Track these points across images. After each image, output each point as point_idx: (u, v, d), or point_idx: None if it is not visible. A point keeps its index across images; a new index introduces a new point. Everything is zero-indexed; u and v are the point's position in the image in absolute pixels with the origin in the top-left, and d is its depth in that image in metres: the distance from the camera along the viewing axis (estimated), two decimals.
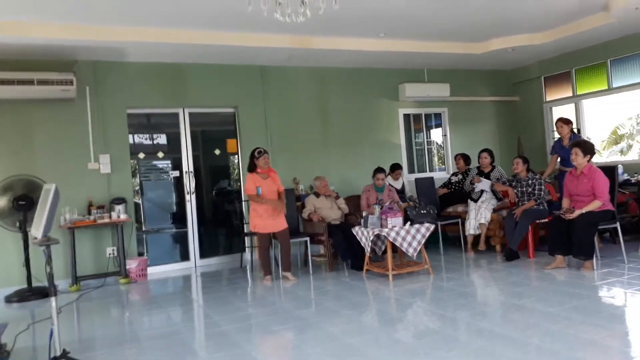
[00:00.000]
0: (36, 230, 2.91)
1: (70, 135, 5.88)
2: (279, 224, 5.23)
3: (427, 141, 8.37)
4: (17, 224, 5.25)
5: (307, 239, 5.68)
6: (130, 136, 6.38)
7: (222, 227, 7.93)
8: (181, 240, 7.08)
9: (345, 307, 4.09)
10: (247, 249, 6.65)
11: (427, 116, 8.27)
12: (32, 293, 5.20)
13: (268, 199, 5.16)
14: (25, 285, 5.29)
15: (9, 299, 5.17)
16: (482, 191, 6.03)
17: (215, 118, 7.18)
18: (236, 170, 7.28)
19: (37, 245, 2.89)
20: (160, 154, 7.31)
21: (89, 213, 5.72)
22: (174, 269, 6.46)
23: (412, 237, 4.87)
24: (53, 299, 2.87)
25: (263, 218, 5.18)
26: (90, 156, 5.93)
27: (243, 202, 6.67)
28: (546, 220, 5.34)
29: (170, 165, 9.15)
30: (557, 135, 6.23)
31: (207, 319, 4.13)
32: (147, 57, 6.13)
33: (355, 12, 5.31)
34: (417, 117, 8.15)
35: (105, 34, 5.30)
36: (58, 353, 2.86)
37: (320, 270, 5.64)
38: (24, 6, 4.59)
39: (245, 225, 6.51)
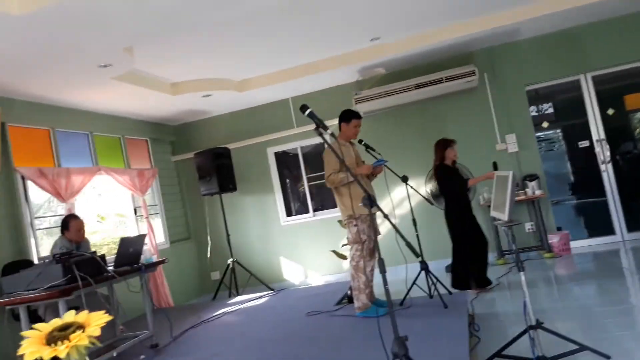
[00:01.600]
0: (499, 213, 3.28)
1: (476, 120, 6.39)
2: None
3: None
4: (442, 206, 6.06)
5: None
6: None
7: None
8: (591, 212, 6.63)
9: None
10: None
11: None
12: None
13: None
14: None
15: (448, 269, 6.03)
16: None
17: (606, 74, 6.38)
18: None
19: (501, 226, 3.26)
20: (545, 124, 7.06)
21: None
22: (597, 243, 6.12)
23: None
24: (522, 274, 3.18)
25: None
26: (496, 138, 6.29)
27: None
28: None
29: (559, 134, 8.72)
30: None
31: None
32: (539, 31, 6.03)
33: None
34: None
35: (497, 20, 5.51)
36: (533, 323, 3.15)
37: None
38: (432, 16, 5.25)
39: None
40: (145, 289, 4.58)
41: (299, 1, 4.22)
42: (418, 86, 6.20)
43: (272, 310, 5.29)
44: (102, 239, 6.73)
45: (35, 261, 4.83)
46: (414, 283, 4.36)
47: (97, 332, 1.16)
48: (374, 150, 4.48)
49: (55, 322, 1.16)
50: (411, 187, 4.57)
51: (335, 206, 7.11)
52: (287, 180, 7.49)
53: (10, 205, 4.85)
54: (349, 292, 4.90)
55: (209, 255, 7.20)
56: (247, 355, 3.79)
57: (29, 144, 5.25)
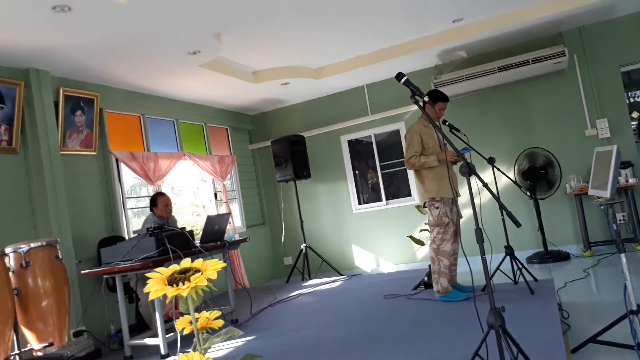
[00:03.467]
0: (599, 191, 3.09)
1: (563, 105, 6.05)
2: None
3: None
4: (528, 193, 5.80)
5: None
6: None
7: None
8: None
9: None
10: None
11: None
12: (550, 256, 5.64)
13: None
14: (541, 249, 5.81)
15: (530, 260, 5.78)
16: None
17: None
18: None
19: (600, 204, 3.06)
20: (635, 114, 6.51)
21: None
22: None
23: None
24: (622, 255, 2.97)
25: None
26: (586, 123, 5.93)
27: None
28: None
29: None
30: None
31: None
32: (638, 6, 5.60)
33: None
34: None
35: None
36: (634, 307, 2.94)
37: None
38: None
39: None
40: (228, 266, 4.76)
41: None
42: (502, 69, 5.96)
43: (347, 293, 5.31)
44: (181, 227, 7.08)
45: (126, 238, 5.16)
46: (498, 268, 4.21)
47: (214, 276, 1.24)
48: (458, 131, 4.36)
49: (174, 267, 1.26)
50: (498, 170, 4.39)
51: (409, 194, 7.04)
52: (356, 171, 7.47)
53: (105, 185, 5.21)
54: (425, 278, 4.83)
55: (282, 240, 7.35)
56: (324, 332, 3.82)
57: (122, 129, 5.61)
